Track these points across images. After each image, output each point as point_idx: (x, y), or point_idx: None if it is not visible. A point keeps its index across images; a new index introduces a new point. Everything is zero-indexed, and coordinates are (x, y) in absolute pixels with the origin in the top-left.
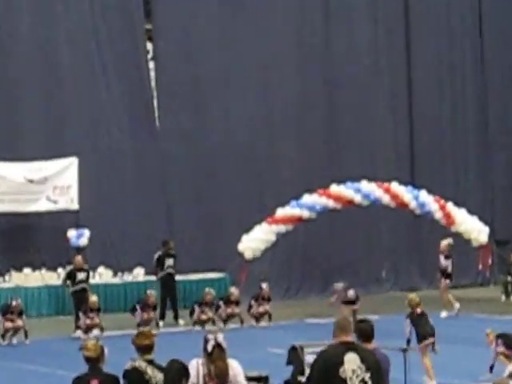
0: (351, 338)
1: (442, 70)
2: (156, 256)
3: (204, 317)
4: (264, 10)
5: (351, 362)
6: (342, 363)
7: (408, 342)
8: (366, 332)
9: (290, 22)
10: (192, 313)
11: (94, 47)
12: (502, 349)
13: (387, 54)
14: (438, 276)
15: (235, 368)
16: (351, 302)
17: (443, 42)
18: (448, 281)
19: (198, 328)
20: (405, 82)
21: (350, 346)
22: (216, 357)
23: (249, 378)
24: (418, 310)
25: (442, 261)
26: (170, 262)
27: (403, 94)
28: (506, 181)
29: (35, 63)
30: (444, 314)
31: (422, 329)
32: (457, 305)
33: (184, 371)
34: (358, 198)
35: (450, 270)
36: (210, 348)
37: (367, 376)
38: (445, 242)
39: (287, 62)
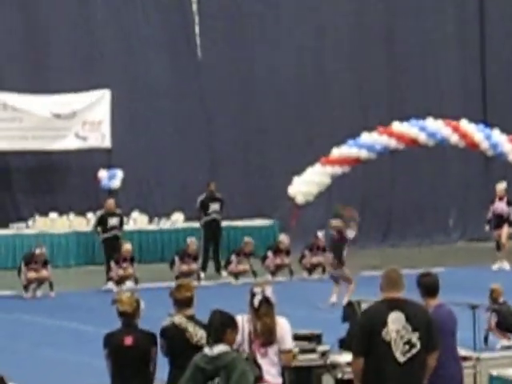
0: (400, 293)
1: None
2: (199, 199)
3: (242, 268)
4: None
5: (395, 322)
6: (385, 324)
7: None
8: (430, 287)
9: None
10: (229, 263)
11: None
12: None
13: None
14: (490, 225)
15: (283, 326)
16: None
17: None
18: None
19: (233, 280)
20: (476, 13)
21: (395, 304)
22: (263, 313)
23: (299, 337)
24: (501, 300)
25: (503, 207)
26: (215, 206)
27: (474, 27)
28: None
29: None
30: (496, 266)
31: (506, 320)
32: None
33: (229, 322)
34: (422, 137)
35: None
36: (256, 303)
37: (415, 337)
38: (501, 187)
39: None
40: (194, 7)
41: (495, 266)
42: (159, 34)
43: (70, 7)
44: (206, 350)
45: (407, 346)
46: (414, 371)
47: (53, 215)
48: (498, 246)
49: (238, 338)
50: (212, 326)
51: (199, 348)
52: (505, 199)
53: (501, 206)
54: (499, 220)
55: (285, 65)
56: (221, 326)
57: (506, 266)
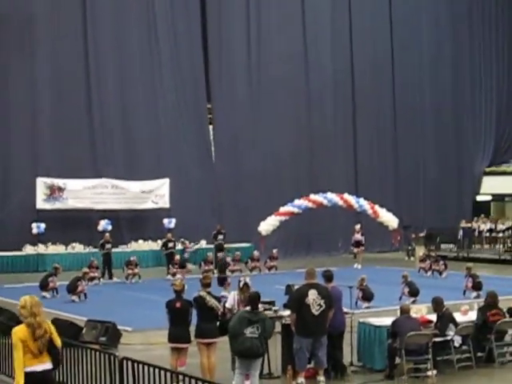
0: (315, 280)
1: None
2: (213, 233)
3: (235, 268)
4: None
5: (312, 294)
6: (307, 295)
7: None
8: (329, 277)
9: None
10: (229, 265)
11: (179, 118)
12: (470, 284)
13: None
14: (353, 245)
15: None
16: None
17: None
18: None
19: (231, 274)
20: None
21: (312, 285)
22: (244, 290)
23: (264, 302)
24: (364, 284)
25: (359, 237)
26: (220, 236)
27: (349, 126)
28: (409, 189)
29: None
30: (355, 266)
31: (367, 295)
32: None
33: (259, 296)
34: (325, 202)
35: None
36: (241, 285)
37: (322, 302)
38: (357, 226)
39: None
40: (211, 137)
41: (355, 266)
42: (192, 150)
43: (151, 134)
44: (248, 309)
45: (318, 307)
46: (322, 319)
47: (140, 241)
48: (355, 256)
49: (232, 302)
50: (253, 298)
51: (212, 308)
52: (360, 232)
53: (358, 236)
54: (357, 243)
55: (264, 164)
56: (258, 298)
57: (359, 266)
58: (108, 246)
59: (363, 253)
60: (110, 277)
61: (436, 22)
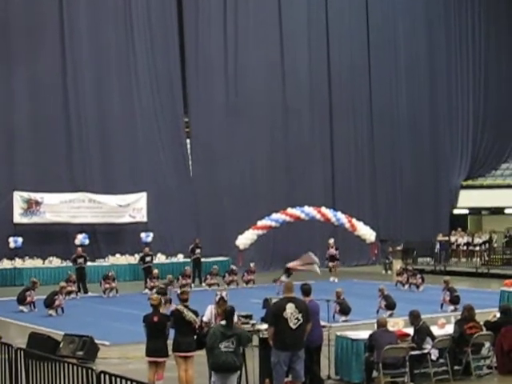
0: (292, 294)
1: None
2: (190, 247)
3: (212, 281)
4: None
5: (290, 308)
6: (284, 309)
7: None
8: (306, 290)
9: None
10: (205, 279)
11: (156, 132)
12: (447, 298)
13: None
14: (327, 260)
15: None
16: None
17: None
18: None
19: (208, 288)
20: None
21: (290, 299)
22: (221, 304)
23: (241, 316)
24: (342, 297)
25: (333, 251)
26: (198, 251)
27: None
28: (386, 202)
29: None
30: (331, 279)
31: (344, 309)
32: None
33: (234, 311)
34: (302, 215)
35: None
36: (217, 299)
37: (300, 316)
38: (330, 241)
39: None
40: (189, 150)
41: (331, 279)
42: (169, 163)
43: (127, 152)
44: (224, 324)
45: (296, 320)
46: (300, 333)
47: (117, 255)
48: (330, 270)
49: (209, 316)
50: (229, 312)
51: (189, 322)
52: (334, 247)
53: (332, 251)
54: (332, 258)
55: (239, 177)
56: (233, 313)
57: (335, 279)
58: (80, 260)
59: (339, 266)
60: (85, 291)
61: (412, 30)
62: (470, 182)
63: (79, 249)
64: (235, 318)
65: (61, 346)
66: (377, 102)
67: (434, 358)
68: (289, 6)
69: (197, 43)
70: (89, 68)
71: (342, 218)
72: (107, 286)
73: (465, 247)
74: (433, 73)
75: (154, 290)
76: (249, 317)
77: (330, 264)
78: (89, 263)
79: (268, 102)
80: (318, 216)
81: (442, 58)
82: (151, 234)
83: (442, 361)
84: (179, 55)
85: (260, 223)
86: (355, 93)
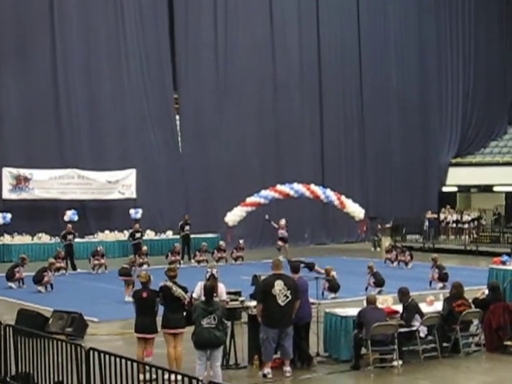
0: (281, 271)
1: None
2: (180, 224)
3: (202, 258)
4: None
5: (278, 285)
6: (273, 286)
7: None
8: (295, 267)
9: None
10: (195, 256)
11: (145, 108)
12: (436, 275)
13: None
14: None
15: (222, 288)
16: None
17: None
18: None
19: (197, 265)
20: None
21: (278, 276)
22: (211, 281)
23: (229, 293)
24: (332, 274)
25: (284, 232)
26: (187, 227)
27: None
28: (375, 180)
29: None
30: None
31: (333, 286)
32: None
33: (215, 287)
34: (292, 192)
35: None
36: (207, 276)
37: (288, 293)
38: (282, 222)
39: None
40: (178, 128)
41: (280, 258)
42: (159, 141)
43: (119, 131)
44: (204, 300)
45: (284, 297)
46: (288, 310)
47: (107, 231)
48: (280, 249)
49: (198, 293)
50: (209, 289)
51: (178, 298)
52: (285, 228)
53: (283, 232)
54: (281, 239)
55: (229, 155)
56: (213, 289)
57: (283, 259)
58: (70, 237)
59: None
60: (74, 268)
61: (403, 12)
62: (459, 160)
63: (69, 225)
64: (224, 296)
65: (50, 322)
66: (366, 79)
67: (422, 335)
68: None
69: (186, 19)
70: (78, 46)
71: (331, 195)
72: (96, 262)
73: (454, 225)
74: (423, 51)
75: (144, 267)
76: (238, 293)
77: (280, 243)
78: (78, 239)
79: (258, 79)
80: (308, 193)
81: (432, 36)
82: (140, 211)
83: (430, 338)
84: (168, 32)
85: (249, 200)
86: (345, 71)
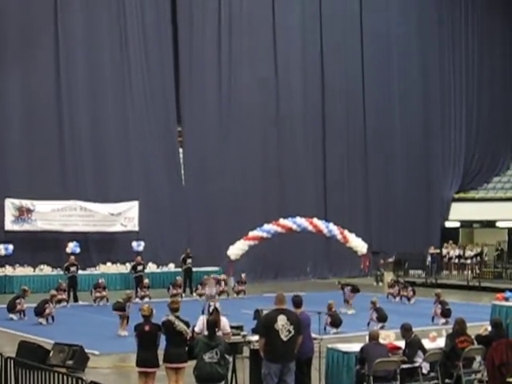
0: (284, 305)
1: None
2: (182, 257)
3: (203, 292)
4: None
5: (281, 320)
6: (276, 320)
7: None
8: (297, 302)
9: None
10: (196, 289)
11: (149, 141)
12: (438, 311)
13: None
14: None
15: (224, 321)
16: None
17: None
18: None
19: (199, 298)
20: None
21: (281, 311)
22: (215, 315)
23: (232, 327)
24: (333, 309)
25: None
26: (189, 260)
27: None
28: (378, 214)
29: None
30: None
31: (336, 320)
32: None
33: (218, 322)
34: (294, 226)
35: None
36: (211, 310)
37: (291, 328)
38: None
39: None
40: (182, 161)
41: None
42: (161, 174)
43: (122, 164)
44: (207, 335)
45: (287, 332)
46: (291, 345)
47: (109, 264)
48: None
49: (201, 327)
50: (212, 323)
51: (181, 333)
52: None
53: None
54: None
55: (232, 188)
56: (216, 323)
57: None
58: (73, 268)
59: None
60: (75, 300)
61: (407, 47)
62: (461, 195)
63: (72, 257)
64: (228, 328)
65: (51, 354)
66: (370, 115)
67: (425, 371)
68: (283, 25)
69: (191, 54)
70: (83, 77)
71: (334, 229)
72: (98, 294)
73: (456, 260)
74: (426, 86)
75: (146, 300)
76: (239, 327)
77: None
78: (80, 271)
79: (261, 113)
80: (310, 227)
81: (436, 72)
82: (142, 243)
83: (433, 374)
84: (173, 64)
85: (252, 234)
86: (349, 105)
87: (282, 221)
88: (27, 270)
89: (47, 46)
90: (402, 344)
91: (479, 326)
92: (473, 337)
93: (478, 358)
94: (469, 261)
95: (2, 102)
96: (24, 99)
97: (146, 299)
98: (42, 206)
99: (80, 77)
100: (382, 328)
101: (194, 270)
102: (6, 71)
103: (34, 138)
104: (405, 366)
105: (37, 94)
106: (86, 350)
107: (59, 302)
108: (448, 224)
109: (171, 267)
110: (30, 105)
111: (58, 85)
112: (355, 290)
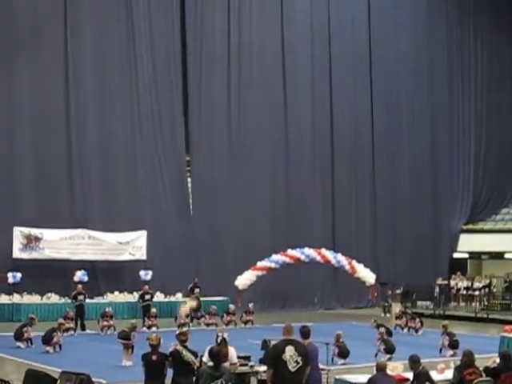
0: (292, 336)
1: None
2: (189, 286)
3: (211, 321)
4: None
5: (289, 351)
6: (284, 351)
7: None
8: (305, 333)
9: None
10: (204, 319)
11: (157, 170)
12: (446, 342)
13: None
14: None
15: (232, 351)
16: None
17: None
18: None
19: (207, 328)
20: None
21: (289, 342)
22: (222, 345)
23: (239, 357)
24: (341, 340)
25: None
26: (197, 290)
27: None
28: (386, 245)
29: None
30: None
31: (343, 352)
32: None
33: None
34: (302, 257)
35: None
36: (218, 340)
37: (299, 359)
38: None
39: None
40: (190, 191)
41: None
42: (170, 204)
43: (129, 194)
44: (211, 365)
45: (295, 363)
46: (299, 376)
47: (116, 293)
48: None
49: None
50: (216, 354)
51: (188, 363)
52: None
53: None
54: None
55: (238, 222)
56: (219, 353)
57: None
58: (80, 297)
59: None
60: (83, 328)
61: (415, 78)
62: (470, 226)
63: (79, 286)
64: (235, 359)
65: (58, 383)
66: (378, 146)
67: None
68: (292, 50)
69: (200, 82)
70: (92, 106)
71: (342, 259)
72: (105, 323)
73: (464, 291)
74: (434, 118)
75: (153, 329)
76: (247, 358)
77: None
78: (87, 300)
79: (270, 143)
80: (318, 258)
81: (444, 104)
82: (150, 272)
83: None
84: (182, 94)
85: (259, 264)
86: (357, 135)
87: (290, 251)
88: (35, 298)
89: (57, 71)
90: (410, 375)
91: (487, 358)
92: (481, 369)
93: None
94: (477, 292)
95: (11, 130)
96: (33, 128)
97: (154, 328)
98: (50, 235)
99: (89, 107)
100: (389, 359)
101: (202, 299)
102: (13, 96)
103: (43, 167)
104: None
105: (46, 124)
106: (93, 379)
107: (67, 330)
108: (456, 255)
109: (179, 297)
110: (39, 134)
111: (67, 114)
112: (389, 332)
